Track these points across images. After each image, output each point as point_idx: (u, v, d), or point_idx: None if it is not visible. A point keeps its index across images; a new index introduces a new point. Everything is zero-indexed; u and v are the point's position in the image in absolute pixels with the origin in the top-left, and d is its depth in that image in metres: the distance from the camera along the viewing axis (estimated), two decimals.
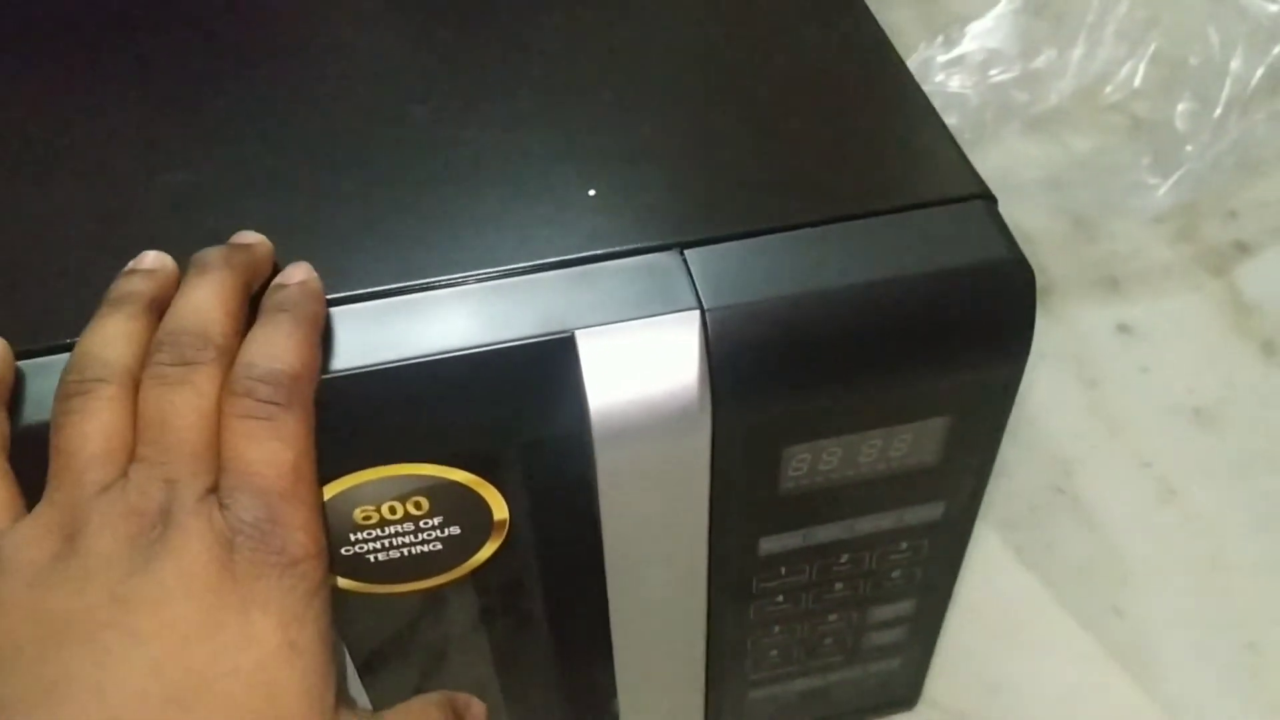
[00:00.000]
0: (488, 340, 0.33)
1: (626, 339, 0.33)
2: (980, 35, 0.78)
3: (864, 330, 0.34)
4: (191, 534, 0.28)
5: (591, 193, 0.37)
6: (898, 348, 0.35)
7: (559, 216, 0.36)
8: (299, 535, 0.30)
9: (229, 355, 0.31)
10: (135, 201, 0.37)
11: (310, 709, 0.29)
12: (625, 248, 0.35)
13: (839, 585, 0.43)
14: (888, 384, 0.36)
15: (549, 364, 0.33)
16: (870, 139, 0.39)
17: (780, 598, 0.43)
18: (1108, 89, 0.82)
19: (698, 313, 0.33)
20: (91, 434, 0.29)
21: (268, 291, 0.33)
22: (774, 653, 0.46)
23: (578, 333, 0.33)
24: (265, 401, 0.29)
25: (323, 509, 0.31)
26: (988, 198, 0.36)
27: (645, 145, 0.39)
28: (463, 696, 0.35)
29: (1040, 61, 0.80)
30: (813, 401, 0.35)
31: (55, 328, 0.33)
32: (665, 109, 0.41)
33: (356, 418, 0.33)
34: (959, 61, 0.80)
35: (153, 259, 0.33)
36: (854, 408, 0.36)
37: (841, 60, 0.42)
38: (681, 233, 0.35)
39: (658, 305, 0.33)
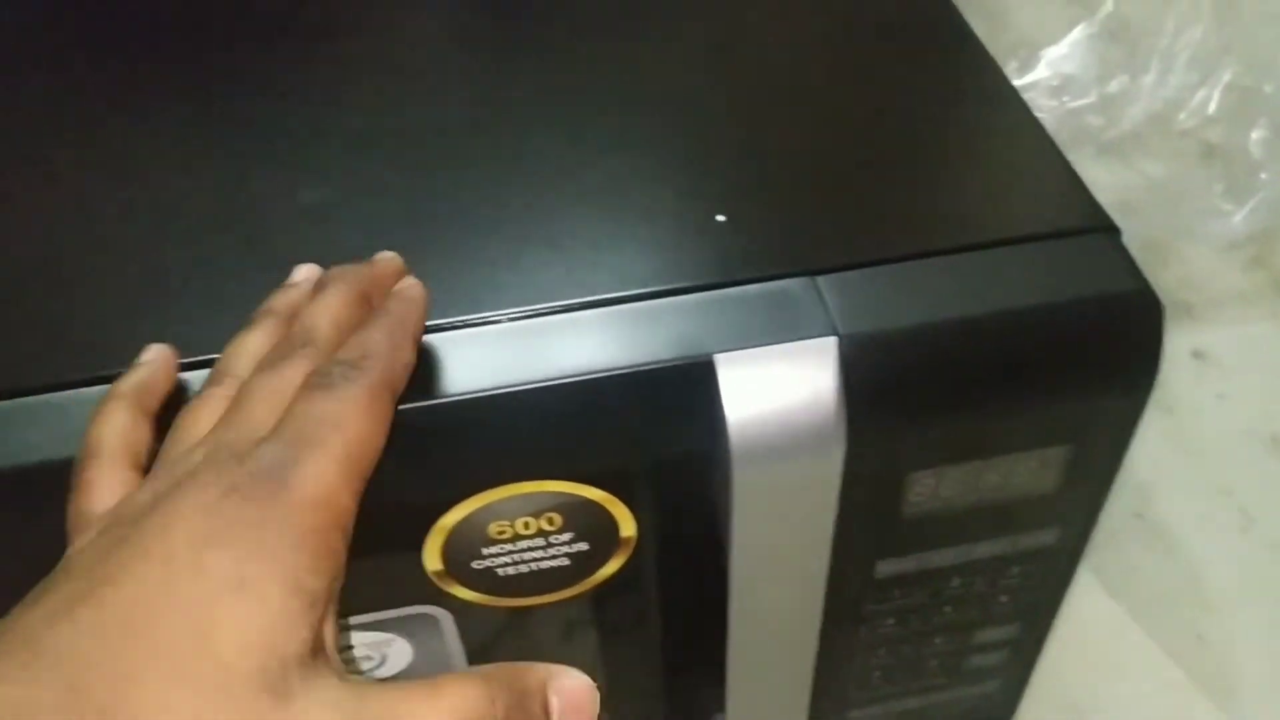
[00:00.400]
0: (628, 362, 0.34)
1: (765, 363, 0.34)
2: (1055, 61, 0.79)
3: (997, 359, 0.35)
4: (201, 478, 0.28)
5: (720, 219, 0.38)
6: (1029, 376, 0.35)
7: (690, 242, 0.37)
8: (305, 477, 0.27)
9: (325, 356, 0.31)
10: (277, 220, 0.38)
11: (247, 660, 0.25)
12: (758, 274, 0.36)
13: (948, 608, 0.44)
14: (1017, 412, 0.36)
15: (687, 386, 0.34)
16: (994, 169, 0.40)
17: (890, 620, 0.43)
18: (1181, 115, 0.82)
19: (834, 339, 0.34)
20: (190, 424, 0.30)
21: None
22: (878, 673, 0.46)
23: (716, 356, 0.34)
24: (336, 375, 0.30)
25: (359, 486, 0.29)
26: (1112, 230, 0.37)
27: (769, 172, 0.40)
28: (541, 673, 0.30)
29: (1113, 86, 0.81)
30: (943, 428, 0.36)
31: (205, 343, 0.34)
32: (786, 136, 0.41)
33: (498, 436, 0.34)
34: (1032, 87, 0.81)
35: (305, 272, 0.35)
36: (980, 434, 0.37)
37: (959, 90, 0.43)
38: (812, 260, 0.36)
39: (795, 331, 0.34)
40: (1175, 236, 0.81)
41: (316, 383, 0.30)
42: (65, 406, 0.33)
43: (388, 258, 0.35)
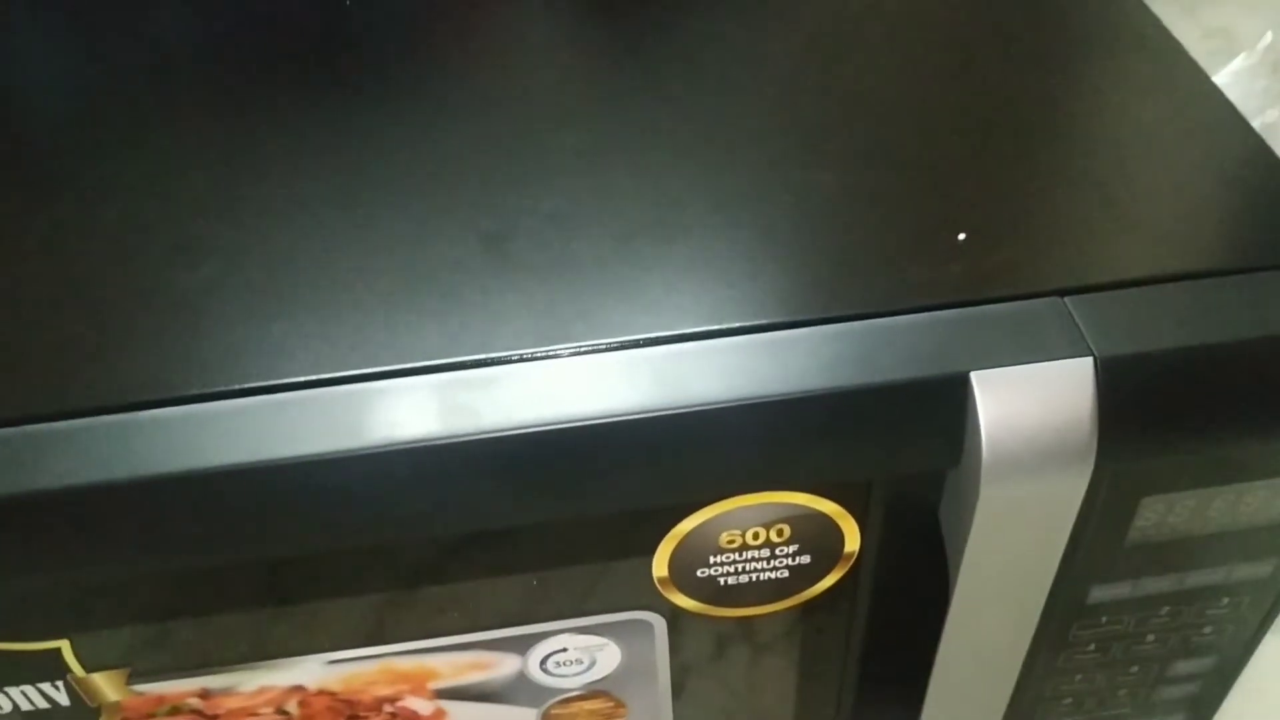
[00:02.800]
0: (884, 377, 0.34)
1: (1022, 382, 0.34)
2: None
3: (1248, 386, 0.35)
4: None
5: (961, 237, 0.38)
6: (1277, 404, 0.35)
7: (935, 260, 0.37)
8: None
9: None
10: (516, 227, 0.39)
11: None
12: (1005, 293, 0.36)
13: (1150, 638, 0.43)
14: (1262, 439, 0.36)
15: (941, 402, 0.34)
16: (1229, 195, 0.39)
17: (1092, 646, 0.43)
18: None
19: (1090, 360, 0.34)
20: None
21: None
22: (1069, 700, 0.46)
23: (973, 374, 0.34)
24: None
25: None
26: None
27: (1004, 190, 0.40)
28: None
29: (1271, 116, 0.80)
30: (1191, 453, 0.36)
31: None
32: (1017, 154, 0.41)
33: (748, 446, 0.34)
34: None
35: None
36: (1218, 461, 0.37)
37: (1186, 112, 0.43)
38: (1058, 279, 0.36)
39: (1050, 351, 0.34)
40: None
41: None
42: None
43: None
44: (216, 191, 0.41)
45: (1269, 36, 0.79)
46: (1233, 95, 0.77)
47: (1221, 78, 0.77)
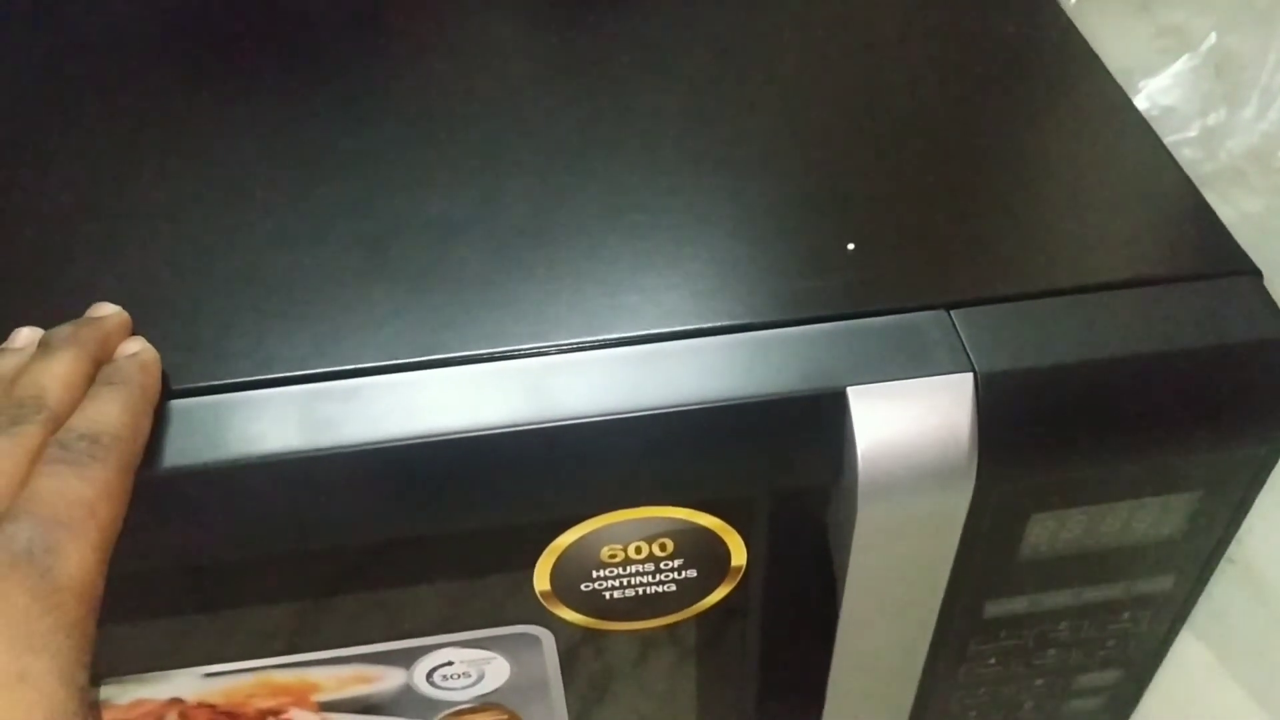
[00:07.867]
0: (758, 391, 0.33)
1: (899, 397, 0.33)
2: (1155, 94, 0.77)
3: (1135, 402, 0.34)
4: None
5: (850, 247, 0.37)
6: (1167, 422, 0.34)
7: (820, 271, 0.36)
8: (70, 566, 0.27)
9: (61, 421, 0.30)
10: (399, 231, 0.38)
11: None
12: (890, 305, 0.35)
13: (1052, 651, 0.43)
14: (1151, 456, 0.35)
15: (818, 417, 0.33)
16: (1132, 206, 0.39)
17: (993, 660, 0.43)
18: None
19: (970, 376, 0.33)
20: None
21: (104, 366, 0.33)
22: (973, 713, 0.46)
23: (850, 389, 0.33)
24: (81, 452, 0.29)
25: (107, 559, 0.29)
26: (1255, 273, 0.36)
27: (899, 201, 0.39)
28: None
29: (1211, 120, 0.79)
30: (1075, 470, 0.35)
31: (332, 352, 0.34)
32: (916, 165, 0.41)
33: (622, 460, 0.34)
34: None
35: (26, 335, 0.34)
36: (1107, 478, 0.36)
37: (1092, 122, 0.42)
38: (945, 292, 0.35)
39: (930, 366, 0.33)
40: (1271, 271, 0.79)
41: (60, 457, 0.29)
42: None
43: (112, 312, 0.34)
44: (98, 193, 0.40)
45: (1213, 38, 0.78)
46: (1176, 97, 0.76)
47: (1165, 79, 0.76)
